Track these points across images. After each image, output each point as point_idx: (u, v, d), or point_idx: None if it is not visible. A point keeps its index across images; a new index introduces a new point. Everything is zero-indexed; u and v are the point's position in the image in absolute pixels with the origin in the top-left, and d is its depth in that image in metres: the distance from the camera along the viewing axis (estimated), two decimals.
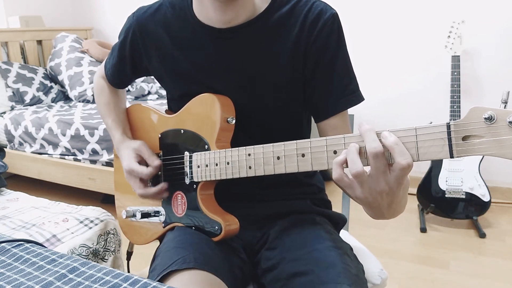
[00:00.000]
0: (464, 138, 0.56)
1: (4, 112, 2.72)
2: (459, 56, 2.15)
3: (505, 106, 0.55)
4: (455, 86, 2.12)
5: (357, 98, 0.85)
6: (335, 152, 0.65)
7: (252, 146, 0.74)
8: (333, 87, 0.84)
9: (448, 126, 0.56)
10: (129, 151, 0.93)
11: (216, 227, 0.81)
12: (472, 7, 2.33)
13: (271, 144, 0.72)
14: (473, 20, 2.30)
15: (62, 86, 3.05)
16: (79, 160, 2.37)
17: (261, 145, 0.73)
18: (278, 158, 0.71)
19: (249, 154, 0.74)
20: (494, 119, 0.53)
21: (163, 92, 2.98)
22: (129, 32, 0.92)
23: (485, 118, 0.53)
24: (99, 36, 3.57)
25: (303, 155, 0.68)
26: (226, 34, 0.83)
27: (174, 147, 0.90)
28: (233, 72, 0.84)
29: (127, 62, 0.96)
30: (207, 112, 0.84)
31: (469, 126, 0.55)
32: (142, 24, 0.90)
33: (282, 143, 0.70)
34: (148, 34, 0.89)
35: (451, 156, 0.56)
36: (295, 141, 0.69)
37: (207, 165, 0.81)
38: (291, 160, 0.69)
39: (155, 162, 0.90)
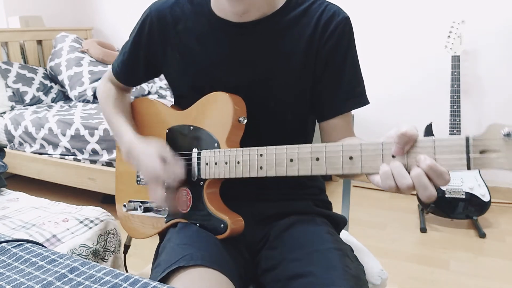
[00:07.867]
0: (482, 152, 0.57)
1: (4, 112, 2.72)
2: (459, 56, 2.15)
3: None
4: (455, 86, 2.12)
5: (362, 100, 0.87)
6: (351, 158, 0.65)
7: (265, 147, 0.74)
8: (341, 88, 0.85)
9: (467, 139, 0.57)
10: (153, 151, 0.84)
11: (222, 225, 0.81)
12: (472, 7, 2.33)
13: (285, 146, 0.72)
14: (473, 20, 2.30)
15: (62, 86, 3.05)
16: (79, 160, 2.37)
17: (274, 147, 0.73)
18: (291, 160, 0.71)
19: (261, 155, 0.74)
20: (511, 135, 0.55)
21: (163, 92, 2.98)
22: (146, 22, 0.91)
23: (504, 135, 0.55)
24: (99, 36, 3.56)
25: (317, 159, 0.68)
26: (242, 30, 0.83)
27: (182, 143, 0.89)
28: (246, 68, 0.85)
29: (140, 56, 0.94)
30: (220, 110, 0.84)
31: (488, 142, 0.57)
32: (161, 15, 0.90)
33: (296, 146, 0.70)
34: (166, 24, 0.89)
35: (468, 168, 0.58)
36: (309, 145, 0.69)
37: (216, 163, 0.81)
38: (305, 163, 0.69)
39: (180, 165, 0.84)
